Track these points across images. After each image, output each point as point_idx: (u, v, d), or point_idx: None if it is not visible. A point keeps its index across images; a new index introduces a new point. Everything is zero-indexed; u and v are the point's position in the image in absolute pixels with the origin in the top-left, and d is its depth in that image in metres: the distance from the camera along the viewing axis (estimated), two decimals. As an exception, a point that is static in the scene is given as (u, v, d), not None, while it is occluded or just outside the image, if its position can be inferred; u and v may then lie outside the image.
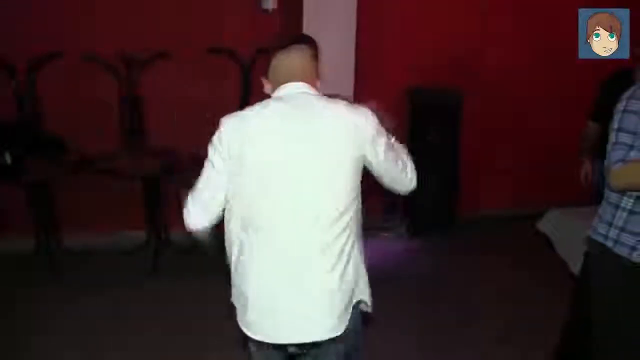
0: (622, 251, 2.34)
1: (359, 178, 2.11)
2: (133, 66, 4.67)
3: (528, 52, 5.83)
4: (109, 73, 4.64)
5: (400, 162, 2.24)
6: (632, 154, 2.18)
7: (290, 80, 2.11)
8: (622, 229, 2.34)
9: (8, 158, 4.30)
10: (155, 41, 4.69)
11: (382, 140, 2.12)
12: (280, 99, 2.09)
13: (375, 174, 2.20)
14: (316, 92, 2.14)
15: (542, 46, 5.84)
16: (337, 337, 2.07)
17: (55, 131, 4.59)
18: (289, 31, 4.97)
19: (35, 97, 4.58)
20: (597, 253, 2.49)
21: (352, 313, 2.12)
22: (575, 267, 3.43)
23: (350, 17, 4.84)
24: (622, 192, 2.32)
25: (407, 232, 5.70)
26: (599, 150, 4.10)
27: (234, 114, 2.08)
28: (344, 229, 2.04)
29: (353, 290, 2.12)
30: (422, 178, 5.73)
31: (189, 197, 2.14)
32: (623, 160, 2.19)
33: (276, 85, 2.15)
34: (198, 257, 4.81)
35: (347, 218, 2.05)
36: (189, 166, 4.73)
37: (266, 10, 4.98)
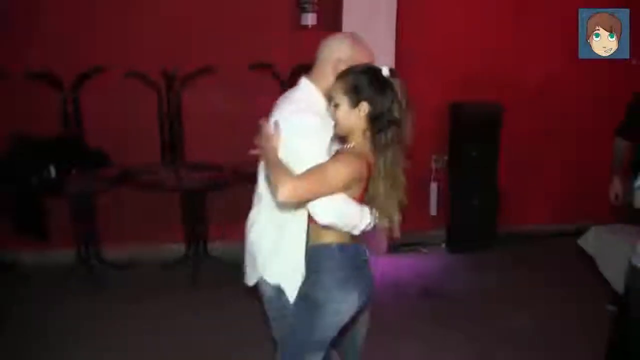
0: None
1: None
2: (175, 82, 4.74)
3: (569, 66, 5.75)
4: (152, 88, 4.72)
5: None
6: None
7: None
8: None
9: (53, 172, 4.39)
10: (196, 57, 4.76)
11: None
12: None
13: None
14: None
15: (585, 60, 5.74)
16: None
17: (98, 145, 4.68)
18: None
19: (80, 112, 4.68)
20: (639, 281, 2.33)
21: None
22: (619, 286, 3.34)
23: (390, 33, 4.85)
24: None
25: (447, 248, 5.66)
26: (632, 167, 3.99)
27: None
28: None
29: None
30: (464, 193, 5.77)
31: None
32: None
33: None
34: (235, 270, 4.87)
35: None
36: (232, 181, 4.79)
37: (305, 26, 5.01)
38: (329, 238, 2.23)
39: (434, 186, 5.66)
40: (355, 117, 2.16)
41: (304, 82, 2.41)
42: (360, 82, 2.14)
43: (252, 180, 4.62)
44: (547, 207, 6.06)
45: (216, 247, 5.10)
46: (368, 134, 2.17)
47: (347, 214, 2.15)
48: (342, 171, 2.08)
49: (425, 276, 5.00)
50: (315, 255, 2.28)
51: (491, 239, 5.66)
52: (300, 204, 2.17)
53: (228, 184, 4.82)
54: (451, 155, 5.55)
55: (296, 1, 5.03)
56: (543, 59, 5.71)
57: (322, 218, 2.14)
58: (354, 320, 2.44)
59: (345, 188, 2.12)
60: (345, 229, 2.19)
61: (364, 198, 2.20)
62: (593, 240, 3.82)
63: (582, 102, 5.83)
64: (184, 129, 4.88)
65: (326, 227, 2.21)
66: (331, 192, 2.09)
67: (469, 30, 5.45)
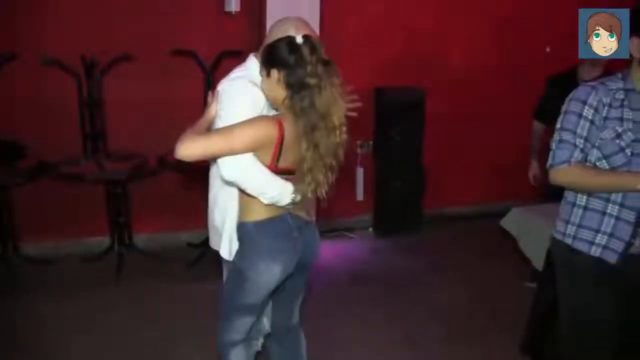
0: (581, 247, 2.41)
1: None
2: (94, 69, 4.57)
3: (492, 51, 5.91)
4: (71, 76, 4.54)
5: None
6: (576, 154, 2.28)
7: None
8: (580, 226, 2.42)
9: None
10: (117, 43, 4.61)
11: None
12: None
13: None
14: None
15: (506, 45, 5.93)
16: None
17: (13, 135, 4.48)
18: (252, 33, 4.95)
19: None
20: (559, 250, 2.55)
21: None
22: (538, 264, 3.48)
23: (314, 19, 4.83)
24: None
25: (375, 232, 5.73)
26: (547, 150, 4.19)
27: None
28: None
29: None
30: (389, 177, 5.84)
31: None
32: (568, 162, 2.29)
33: None
34: (162, 261, 4.79)
35: None
36: (155, 170, 4.69)
37: (229, 13, 4.94)
38: (248, 216, 2.32)
39: (359, 171, 5.72)
40: (272, 85, 2.23)
41: (250, 58, 2.51)
42: (270, 51, 2.21)
43: (177, 169, 4.57)
44: (471, 189, 6.23)
45: (141, 238, 5.00)
46: (287, 101, 2.21)
47: (251, 175, 2.18)
48: (247, 131, 2.12)
49: (354, 260, 5.06)
50: (239, 232, 2.39)
51: (417, 221, 5.78)
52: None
53: (152, 173, 4.72)
54: (376, 140, 5.62)
55: (220, -14, 4.95)
56: (464, 43, 5.84)
57: (225, 173, 2.20)
58: (284, 286, 2.53)
59: (250, 149, 2.15)
60: (253, 193, 2.22)
61: (277, 166, 2.22)
62: (514, 221, 3.94)
63: (502, 86, 6.00)
64: (105, 118, 4.73)
65: (248, 205, 2.30)
66: (236, 152, 2.13)
67: (392, 14, 5.51)
